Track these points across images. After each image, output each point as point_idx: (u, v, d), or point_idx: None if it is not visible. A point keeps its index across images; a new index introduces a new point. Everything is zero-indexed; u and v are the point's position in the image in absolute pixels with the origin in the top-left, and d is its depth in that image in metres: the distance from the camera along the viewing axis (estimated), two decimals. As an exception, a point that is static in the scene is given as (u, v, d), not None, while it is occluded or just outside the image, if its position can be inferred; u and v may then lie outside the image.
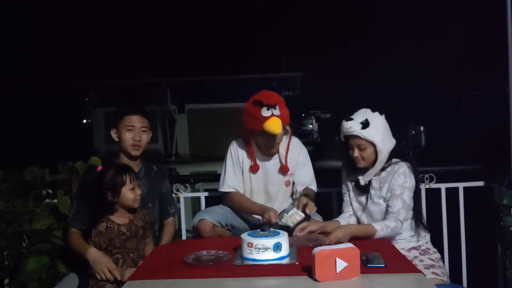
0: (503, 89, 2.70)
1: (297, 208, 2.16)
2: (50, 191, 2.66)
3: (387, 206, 2.15)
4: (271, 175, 2.45)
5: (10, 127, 13.43)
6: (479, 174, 2.84)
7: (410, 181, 2.12)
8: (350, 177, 2.31)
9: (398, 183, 2.12)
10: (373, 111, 2.15)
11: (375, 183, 2.20)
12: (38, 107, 15.21)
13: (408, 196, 2.12)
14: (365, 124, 2.11)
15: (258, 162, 2.43)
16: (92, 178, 2.06)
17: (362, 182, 2.22)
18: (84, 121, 18.50)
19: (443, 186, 2.76)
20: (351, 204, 2.32)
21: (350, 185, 2.32)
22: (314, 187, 2.52)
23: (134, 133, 2.28)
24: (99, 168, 2.08)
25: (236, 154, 2.47)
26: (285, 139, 2.45)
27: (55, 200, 2.58)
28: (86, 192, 2.10)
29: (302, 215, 2.12)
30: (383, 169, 2.19)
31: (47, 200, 2.62)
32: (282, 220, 2.12)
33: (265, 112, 2.24)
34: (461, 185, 2.79)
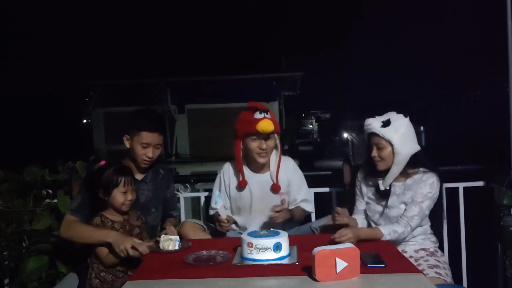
0: (503, 89, 2.70)
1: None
2: (50, 191, 2.67)
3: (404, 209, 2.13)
4: (264, 193, 2.43)
5: (10, 127, 13.43)
6: (479, 174, 2.84)
7: (435, 192, 2.11)
8: (369, 181, 2.28)
9: (422, 192, 2.10)
10: (398, 113, 2.15)
11: (398, 189, 2.16)
12: (38, 107, 15.22)
13: (427, 206, 2.10)
14: (386, 123, 2.11)
15: (248, 178, 2.42)
16: (93, 171, 2.08)
17: (382, 188, 2.18)
18: (84, 121, 18.51)
19: (443, 186, 2.76)
20: (368, 208, 2.28)
21: (369, 191, 2.28)
22: (309, 207, 2.51)
23: (148, 150, 2.22)
24: (102, 162, 2.08)
25: (222, 176, 2.50)
26: (275, 154, 2.45)
27: (55, 200, 2.59)
28: (87, 185, 2.11)
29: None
30: (409, 175, 2.16)
31: (47, 200, 2.63)
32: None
33: (258, 115, 2.31)
34: (461, 185, 2.79)
